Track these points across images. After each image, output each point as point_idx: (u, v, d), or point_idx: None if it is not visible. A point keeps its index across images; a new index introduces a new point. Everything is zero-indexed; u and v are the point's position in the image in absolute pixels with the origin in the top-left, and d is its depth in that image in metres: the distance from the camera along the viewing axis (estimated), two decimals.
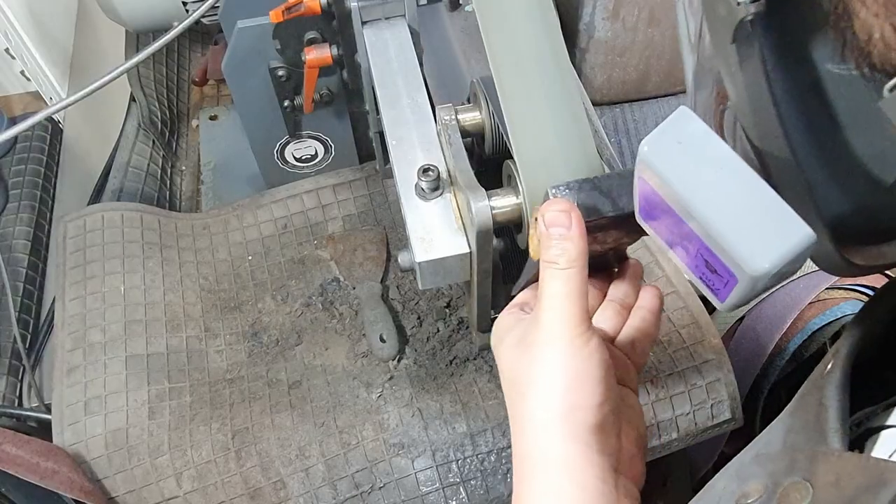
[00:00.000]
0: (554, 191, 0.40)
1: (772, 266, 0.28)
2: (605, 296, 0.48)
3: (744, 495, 0.32)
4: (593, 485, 0.36)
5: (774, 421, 0.36)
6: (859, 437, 0.34)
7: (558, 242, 0.38)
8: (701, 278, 0.34)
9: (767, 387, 0.92)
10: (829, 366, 0.34)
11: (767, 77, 0.26)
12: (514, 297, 0.48)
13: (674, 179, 0.31)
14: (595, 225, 0.40)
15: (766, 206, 0.28)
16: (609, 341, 0.45)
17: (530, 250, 0.42)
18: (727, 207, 0.29)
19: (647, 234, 0.43)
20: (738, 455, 0.37)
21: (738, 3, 0.25)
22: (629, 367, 0.45)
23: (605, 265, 0.48)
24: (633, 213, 0.39)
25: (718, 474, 0.37)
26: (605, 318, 0.46)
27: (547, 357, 0.38)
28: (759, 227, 0.28)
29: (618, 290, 0.47)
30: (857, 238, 0.30)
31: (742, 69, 0.27)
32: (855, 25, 0.24)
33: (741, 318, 0.95)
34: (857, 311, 0.84)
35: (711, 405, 0.76)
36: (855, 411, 0.33)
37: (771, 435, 0.35)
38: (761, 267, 0.28)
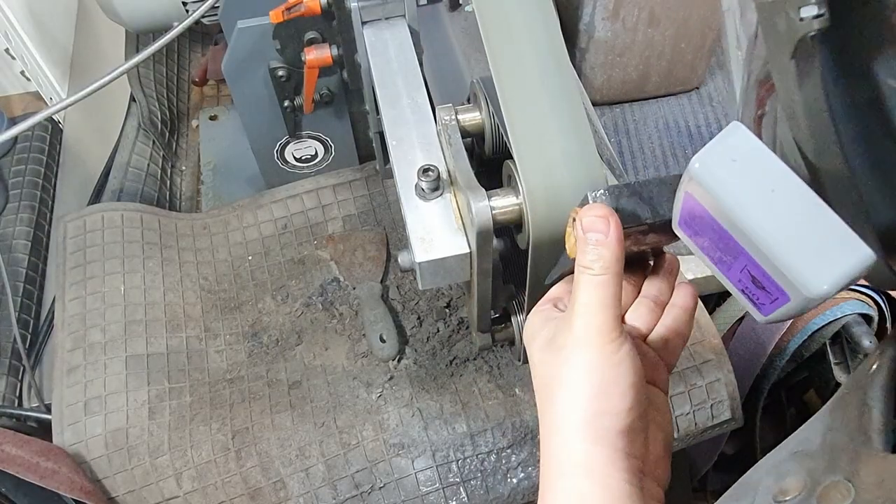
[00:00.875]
0: (594, 195, 0.40)
1: (831, 288, 0.28)
2: (639, 291, 0.47)
3: (781, 492, 0.32)
4: (618, 486, 0.37)
5: (812, 418, 0.36)
6: None
7: (594, 248, 0.38)
8: (743, 292, 0.33)
9: (767, 387, 0.92)
10: (875, 366, 0.34)
11: (826, 92, 0.26)
12: (548, 287, 0.48)
13: (728, 197, 0.30)
14: (634, 231, 0.40)
15: (825, 227, 0.28)
16: (641, 339, 0.45)
17: (566, 247, 0.42)
18: (784, 227, 0.29)
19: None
20: (773, 451, 0.36)
21: (801, 20, 0.25)
22: (660, 367, 0.45)
23: (640, 259, 0.48)
24: (671, 220, 0.39)
25: (752, 470, 0.36)
26: (638, 316, 0.46)
27: (576, 362, 0.38)
28: (817, 249, 0.28)
29: (652, 286, 0.47)
30: None
31: (800, 84, 0.27)
32: None
33: (741, 318, 0.95)
34: (856, 311, 0.84)
35: (711, 405, 0.76)
36: None
37: (808, 432, 0.35)
38: (820, 290, 0.28)
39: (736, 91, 0.35)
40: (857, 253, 0.27)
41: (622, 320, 0.45)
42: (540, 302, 0.46)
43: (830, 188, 0.29)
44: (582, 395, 0.38)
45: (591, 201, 0.40)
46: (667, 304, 0.47)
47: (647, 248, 0.45)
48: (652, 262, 0.48)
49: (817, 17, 0.25)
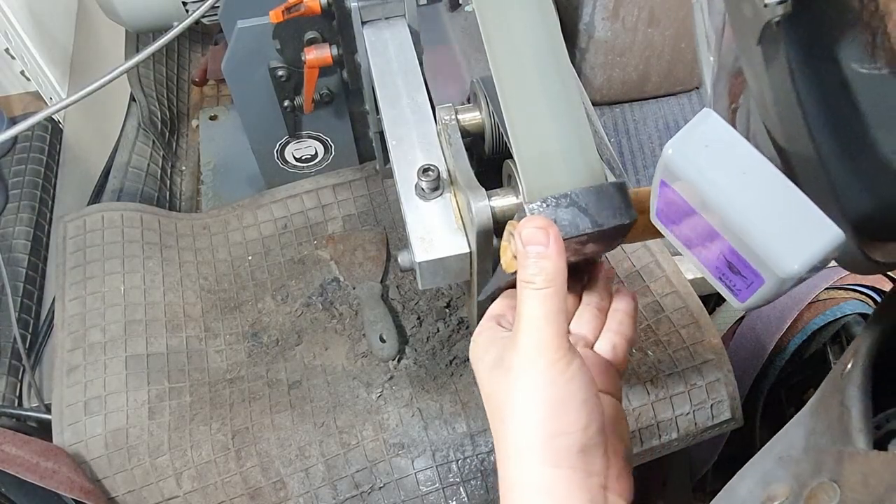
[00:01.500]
0: (531, 207, 0.39)
1: (801, 268, 0.28)
2: (580, 300, 0.47)
3: (769, 498, 0.32)
4: None
5: (791, 422, 0.36)
6: (882, 439, 0.34)
7: (535, 261, 0.37)
8: (720, 279, 0.34)
9: (767, 387, 0.92)
10: (849, 366, 0.34)
11: (793, 77, 0.26)
12: (487, 304, 0.48)
13: (701, 182, 0.30)
14: (573, 242, 0.40)
15: (794, 208, 0.28)
16: (588, 346, 0.45)
17: (502, 262, 0.41)
18: (756, 209, 0.29)
19: (622, 244, 0.42)
20: (756, 457, 0.36)
21: (766, 5, 0.25)
22: (611, 373, 0.44)
23: (577, 269, 0.48)
24: (611, 229, 0.39)
25: (737, 477, 0.36)
26: (583, 323, 0.45)
27: (526, 383, 0.37)
28: (788, 229, 0.28)
29: (592, 294, 0.47)
30: (878, 234, 0.30)
31: (767, 70, 0.27)
32: (888, 25, 0.24)
33: (741, 318, 0.95)
34: (856, 311, 0.84)
35: (711, 405, 0.76)
36: (875, 412, 0.33)
37: (791, 437, 0.35)
38: (791, 269, 0.29)
39: (706, 84, 0.35)
40: (826, 233, 0.28)
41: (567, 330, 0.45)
42: (483, 320, 0.45)
43: (800, 173, 0.29)
44: (535, 417, 0.36)
45: (528, 214, 0.39)
46: (608, 310, 0.47)
47: (586, 258, 0.45)
48: (589, 273, 0.48)
49: (781, 2, 0.25)
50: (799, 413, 0.36)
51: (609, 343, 0.45)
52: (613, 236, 0.41)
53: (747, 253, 0.30)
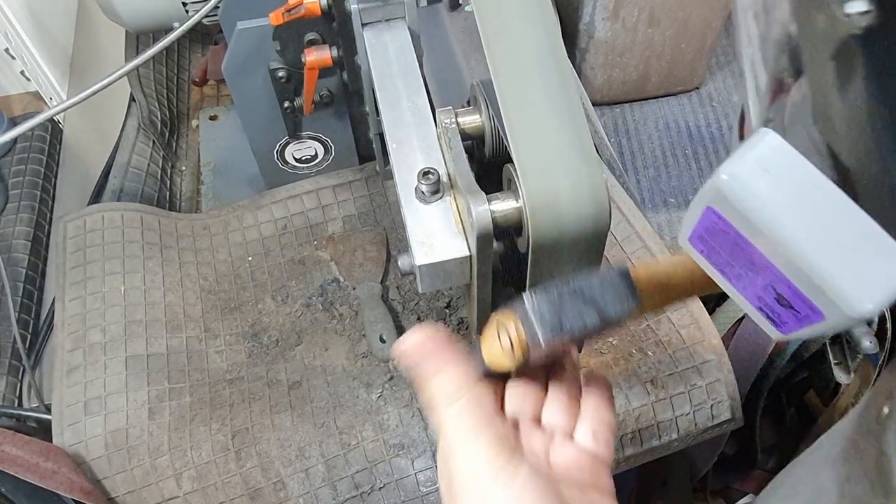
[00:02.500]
0: (525, 296, 0.35)
1: (876, 306, 0.26)
2: (546, 389, 0.43)
3: None
4: None
5: (821, 464, 0.33)
6: None
7: (430, 382, 0.34)
8: (762, 309, 0.31)
9: (767, 387, 0.92)
10: (885, 409, 0.32)
11: (869, 93, 0.25)
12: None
13: (760, 211, 0.27)
14: (578, 338, 0.36)
15: (867, 240, 0.26)
16: (568, 436, 0.41)
17: (482, 351, 0.37)
18: (824, 242, 0.26)
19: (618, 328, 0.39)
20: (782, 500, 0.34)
21: (847, 16, 0.23)
22: (596, 464, 0.39)
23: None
24: (619, 319, 0.36)
25: None
26: (553, 412, 0.41)
27: None
28: (860, 264, 0.26)
29: (560, 382, 0.42)
30: None
31: (840, 87, 0.25)
32: None
33: (741, 319, 0.95)
34: None
35: (711, 405, 0.76)
36: None
37: (822, 481, 0.33)
38: (864, 308, 0.26)
39: (750, 98, 0.33)
40: None
41: (538, 422, 0.41)
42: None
43: (865, 192, 0.27)
44: None
45: (526, 304, 0.35)
46: (580, 397, 0.42)
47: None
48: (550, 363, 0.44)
49: (865, 13, 0.23)
50: (811, 448, 0.34)
51: (588, 431, 0.40)
52: (617, 323, 0.37)
53: (808, 287, 0.27)
